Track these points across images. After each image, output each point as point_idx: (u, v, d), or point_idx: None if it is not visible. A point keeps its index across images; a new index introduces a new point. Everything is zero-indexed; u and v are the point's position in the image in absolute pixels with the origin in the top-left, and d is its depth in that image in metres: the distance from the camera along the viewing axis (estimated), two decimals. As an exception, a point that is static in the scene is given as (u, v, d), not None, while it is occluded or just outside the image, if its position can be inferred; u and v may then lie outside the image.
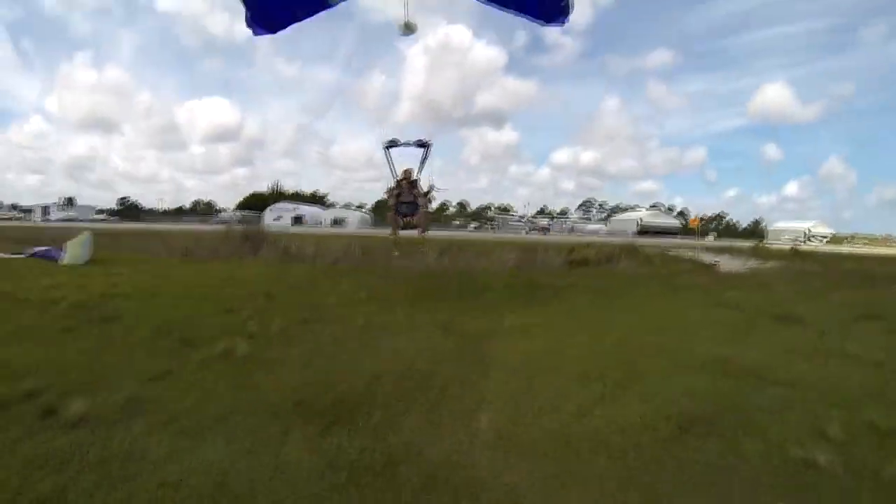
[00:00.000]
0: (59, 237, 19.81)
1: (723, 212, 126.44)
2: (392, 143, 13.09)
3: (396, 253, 14.58)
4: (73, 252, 17.23)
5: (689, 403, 4.46)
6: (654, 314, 9.70)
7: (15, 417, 3.95)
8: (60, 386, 4.53)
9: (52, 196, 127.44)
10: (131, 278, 12.48)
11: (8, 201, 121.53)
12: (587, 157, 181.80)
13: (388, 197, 13.14)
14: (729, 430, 3.96)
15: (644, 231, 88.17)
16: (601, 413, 4.35)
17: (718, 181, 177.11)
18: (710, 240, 70.01)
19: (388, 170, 13.27)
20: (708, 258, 24.38)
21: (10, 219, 72.13)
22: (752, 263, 23.55)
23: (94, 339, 6.47)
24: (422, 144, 13.12)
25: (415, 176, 13.40)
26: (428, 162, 13.30)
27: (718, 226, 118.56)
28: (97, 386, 4.63)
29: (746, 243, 42.03)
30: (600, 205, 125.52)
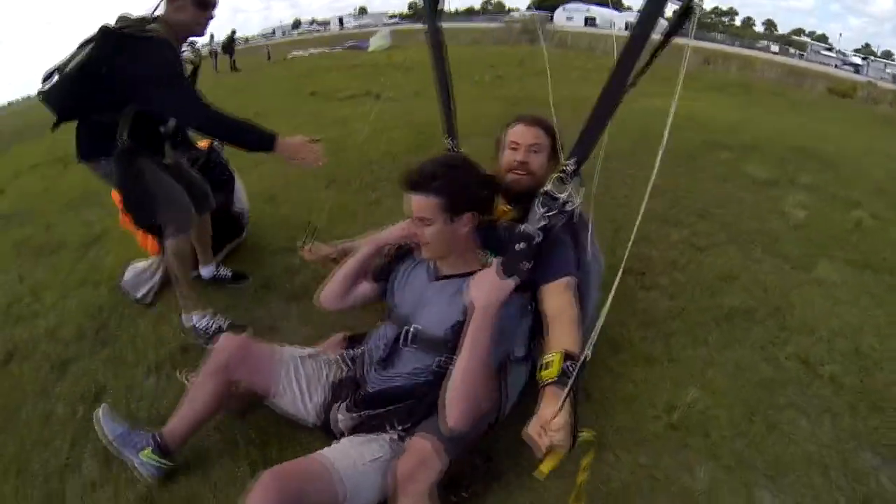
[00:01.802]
0: (361, 36, 26.55)
1: None
2: None
3: None
4: (377, 42, 23.46)
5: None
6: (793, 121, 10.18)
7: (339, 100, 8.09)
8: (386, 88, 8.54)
9: (346, 9, 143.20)
10: (420, 52, 17.18)
11: (306, 18, 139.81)
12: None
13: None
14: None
15: None
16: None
17: None
18: None
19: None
20: None
21: (312, 32, 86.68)
22: None
23: (400, 77, 10.97)
24: None
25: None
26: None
27: None
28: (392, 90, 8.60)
29: None
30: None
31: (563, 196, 1.72)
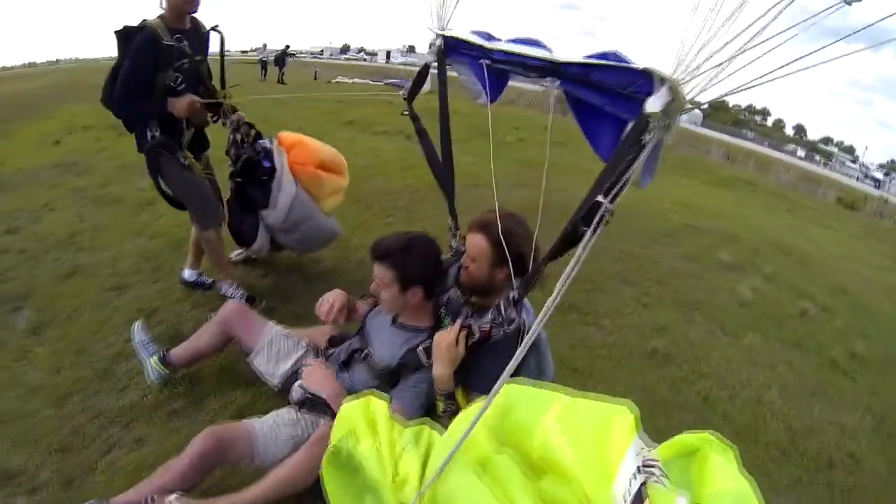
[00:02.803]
0: (406, 73, 27.07)
1: None
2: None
3: None
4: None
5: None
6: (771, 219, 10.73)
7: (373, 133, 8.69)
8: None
9: (397, 43, 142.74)
10: (454, 102, 17.95)
11: (355, 45, 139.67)
12: None
13: None
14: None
15: None
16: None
17: None
18: None
19: None
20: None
21: (359, 60, 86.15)
22: None
23: (432, 123, 11.54)
24: None
25: None
26: None
27: None
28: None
29: None
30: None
31: (506, 314, 1.88)
